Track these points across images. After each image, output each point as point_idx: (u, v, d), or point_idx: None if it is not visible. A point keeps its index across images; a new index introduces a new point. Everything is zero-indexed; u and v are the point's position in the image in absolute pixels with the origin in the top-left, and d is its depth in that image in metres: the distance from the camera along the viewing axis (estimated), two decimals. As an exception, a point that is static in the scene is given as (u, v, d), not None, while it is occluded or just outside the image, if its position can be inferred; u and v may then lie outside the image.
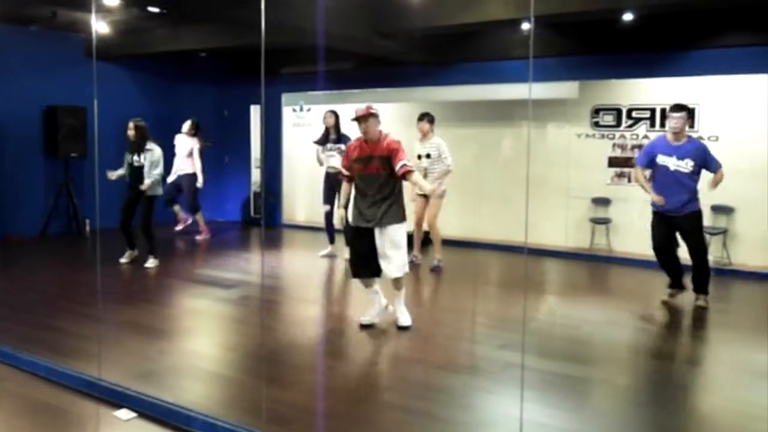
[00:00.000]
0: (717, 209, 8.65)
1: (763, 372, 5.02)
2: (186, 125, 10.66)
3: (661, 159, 6.54)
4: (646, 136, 9.02)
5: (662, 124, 9.01)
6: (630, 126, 9.28)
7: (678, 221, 6.57)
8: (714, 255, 8.56)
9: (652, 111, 9.10)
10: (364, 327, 5.94)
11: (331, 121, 8.88)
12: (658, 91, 9.09)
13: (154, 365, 4.94)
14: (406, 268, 5.85)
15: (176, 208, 10.96)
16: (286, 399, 4.31)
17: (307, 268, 8.87)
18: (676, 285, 6.90)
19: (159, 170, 8.37)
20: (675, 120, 6.49)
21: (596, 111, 9.54)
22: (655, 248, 6.77)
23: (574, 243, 9.77)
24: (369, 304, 6.06)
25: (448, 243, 8.97)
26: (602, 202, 9.49)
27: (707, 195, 8.58)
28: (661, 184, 6.57)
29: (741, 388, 4.72)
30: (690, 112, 6.67)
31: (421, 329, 5.92)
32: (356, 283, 6.31)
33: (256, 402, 4.15)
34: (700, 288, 6.73)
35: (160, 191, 8.62)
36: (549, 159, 9.78)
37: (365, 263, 5.82)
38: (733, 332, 6.15)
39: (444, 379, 4.75)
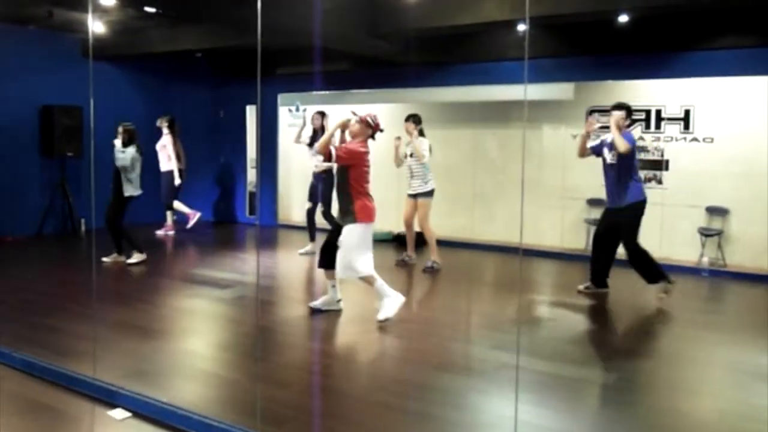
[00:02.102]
0: (712, 210, 8.68)
1: (757, 373, 5.04)
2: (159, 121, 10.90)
3: (604, 153, 7.04)
4: (641, 137, 9.05)
5: (657, 126, 9.05)
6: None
7: (617, 214, 6.94)
8: (709, 256, 8.59)
9: (648, 112, 9.12)
10: (314, 311, 6.37)
11: (318, 122, 9.00)
12: (654, 92, 9.12)
13: (149, 365, 4.94)
14: (354, 273, 5.99)
15: (169, 213, 11.07)
16: (281, 398, 4.32)
17: (302, 268, 8.88)
18: (597, 282, 7.25)
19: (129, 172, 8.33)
20: (613, 118, 6.94)
21: (591, 112, 9.56)
22: (594, 237, 7.33)
23: (569, 244, 9.78)
24: (326, 291, 6.48)
25: (442, 243, 8.96)
26: (597, 203, 9.48)
27: (701, 196, 8.69)
28: (605, 179, 7.09)
29: (735, 389, 4.75)
30: (629, 111, 7.07)
31: (417, 329, 5.93)
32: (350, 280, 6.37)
33: (251, 401, 4.16)
34: (650, 279, 6.96)
35: (130, 192, 8.42)
36: (544, 160, 9.80)
37: (325, 253, 6.33)
38: (728, 334, 6.17)
39: (439, 379, 4.77)
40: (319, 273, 8.44)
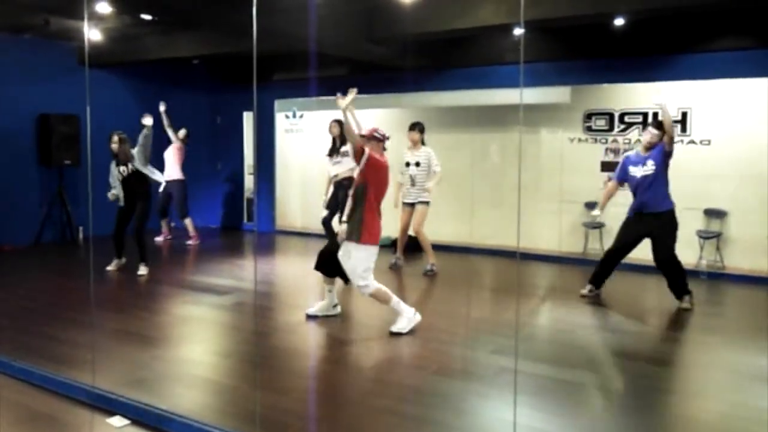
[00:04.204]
0: (710, 213, 8.69)
1: (756, 375, 5.05)
2: (182, 133, 10.86)
3: (633, 170, 6.99)
4: (638, 140, 9.04)
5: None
6: (622, 130, 9.32)
7: (652, 221, 6.85)
8: (708, 259, 8.60)
9: (645, 115, 9.13)
10: (310, 317, 6.36)
11: (336, 130, 8.98)
12: (650, 95, 9.11)
13: (147, 372, 4.94)
14: (363, 286, 5.86)
15: (164, 220, 11.09)
16: (280, 405, 4.31)
17: (300, 274, 8.87)
18: (599, 285, 7.29)
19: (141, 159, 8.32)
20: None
21: (588, 115, 9.58)
22: (622, 246, 7.11)
23: (567, 247, 9.78)
24: (323, 297, 6.46)
25: (441, 248, 8.98)
26: (595, 206, 9.48)
27: (699, 199, 8.69)
28: (639, 190, 6.99)
29: (734, 391, 4.74)
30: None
31: (415, 334, 5.92)
32: (349, 286, 6.36)
33: (250, 408, 4.16)
34: (678, 293, 6.87)
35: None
36: (542, 164, 9.82)
37: (323, 258, 6.25)
38: (726, 336, 6.17)
39: (438, 383, 4.76)
40: (317, 279, 8.48)
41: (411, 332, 5.91)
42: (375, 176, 5.84)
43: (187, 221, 10.82)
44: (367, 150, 5.79)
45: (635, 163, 6.95)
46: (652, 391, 4.74)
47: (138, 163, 8.24)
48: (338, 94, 5.90)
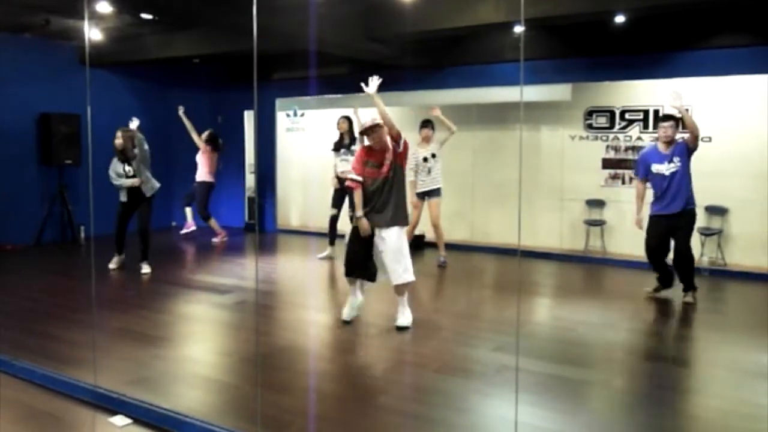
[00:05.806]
0: (711, 210, 8.68)
1: (757, 372, 5.04)
2: (204, 135, 11.01)
3: (657, 167, 6.83)
4: (639, 138, 9.06)
5: (655, 126, 9.04)
6: (623, 128, 9.31)
7: (674, 219, 6.77)
8: (709, 256, 8.60)
9: (645, 112, 9.13)
10: (347, 323, 6.15)
11: (345, 126, 9.08)
12: (651, 92, 9.12)
13: (149, 371, 4.94)
14: (410, 276, 5.93)
15: (188, 210, 11.43)
16: (282, 404, 4.32)
17: (302, 272, 8.87)
18: (667, 284, 7.11)
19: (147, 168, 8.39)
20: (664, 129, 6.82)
21: (589, 113, 9.57)
22: (655, 246, 6.96)
23: (568, 245, 9.78)
24: (349, 300, 6.25)
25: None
26: (596, 203, 9.51)
27: (701, 195, 8.68)
28: (660, 188, 6.86)
29: (735, 389, 4.74)
30: (677, 121, 6.91)
31: (417, 332, 5.93)
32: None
33: (252, 407, 4.15)
34: (688, 285, 6.91)
35: (154, 188, 8.48)
36: (543, 161, 9.81)
37: (361, 264, 6.00)
38: (727, 333, 6.17)
39: (439, 382, 4.76)
40: (320, 277, 8.48)
41: (412, 330, 5.91)
42: (405, 161, 5.97)
43: (211, 222, 11.01)
44: (403, 135, 5.85)
45: (659, 161, 6.80)
46: (653, 388, 4.74)
47: (135, 165, 8.24)
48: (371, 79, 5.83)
